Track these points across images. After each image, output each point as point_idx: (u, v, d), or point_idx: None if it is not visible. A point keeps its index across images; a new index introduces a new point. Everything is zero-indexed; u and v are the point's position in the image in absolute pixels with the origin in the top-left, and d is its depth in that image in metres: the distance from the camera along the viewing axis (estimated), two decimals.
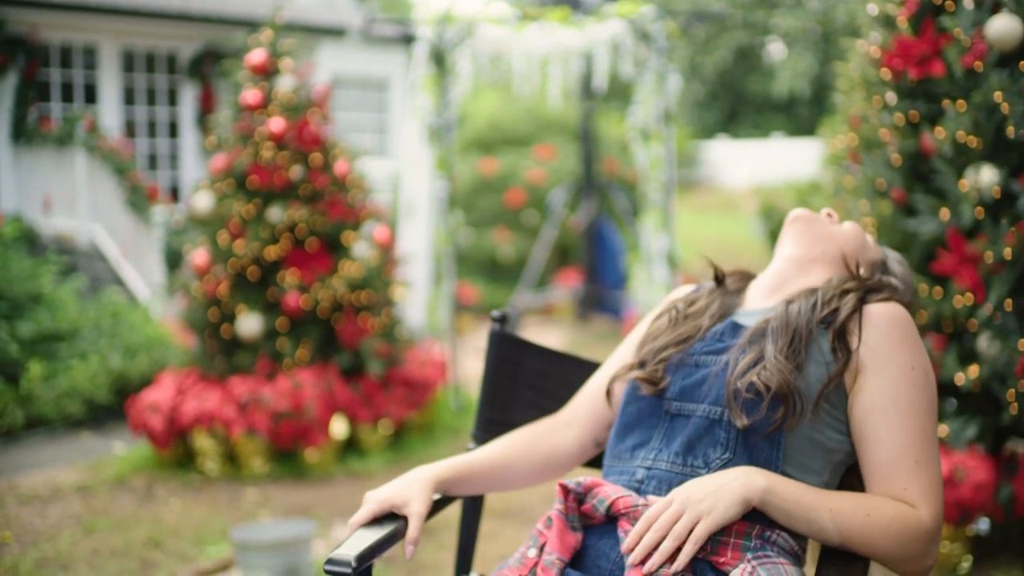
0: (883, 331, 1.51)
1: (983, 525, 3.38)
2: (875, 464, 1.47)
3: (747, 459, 1.47)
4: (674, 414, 1.56)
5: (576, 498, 1.53)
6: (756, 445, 1.47)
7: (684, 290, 1.81)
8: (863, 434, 1.49)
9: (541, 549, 1.51)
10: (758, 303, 1.67)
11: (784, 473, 1.47)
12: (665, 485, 1.49)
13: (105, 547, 3.94)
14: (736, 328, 1.61)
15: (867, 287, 1.60)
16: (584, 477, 1.54)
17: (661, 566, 1.37)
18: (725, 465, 1.47)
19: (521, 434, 1.76)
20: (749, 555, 1.41)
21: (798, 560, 1.48)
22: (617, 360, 1.77)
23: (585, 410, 1.77)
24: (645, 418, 1.60)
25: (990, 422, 3.41)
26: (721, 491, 1.38)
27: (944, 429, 3.39)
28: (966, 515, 3.35)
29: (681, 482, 1.48)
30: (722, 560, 1.41)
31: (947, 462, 3.33)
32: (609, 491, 1.50)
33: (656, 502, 1.44)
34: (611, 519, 1.49)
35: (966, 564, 3.43)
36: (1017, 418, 3.32)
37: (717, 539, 1.42)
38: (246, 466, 4.88)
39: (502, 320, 1.87)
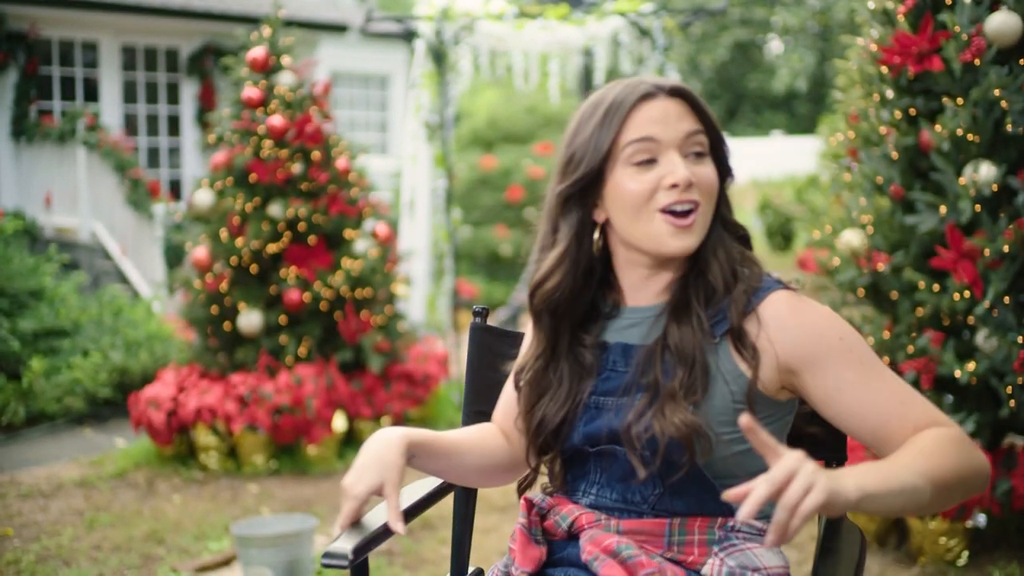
0: (795, 328, 1.40)
1: (981, 519, 3.40)
2: (873, 431, 1.38)
3: (678, 491, 1.41)
4: (597, 452, 1.47)
5: (539, 512, 1.52)
6: (683, 480, 1.41)
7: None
8: (837, 416, 1.40)
9: None
10: (639, 298, 1.50)
11: (735, 484, 1.41)
12: (615, 514, 1.46)
13: (106, 542, 3.95)
14: (628, 351, 1.47)
15: (749, 287, 1.43)
16: (549, 494, 1.53)
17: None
18: (660, 499, 1.42)
19: (477, 429, 1.67)
20: (715, 548, 1.41)
21: None
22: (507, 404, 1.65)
23: (508, 425, 1.64)
24: (575, 454, 1.51)
25: (988, 417, 3.42)
26: (836, 502, 1.16)
27: None
28: (964, 509, 3.36)
29: (627, 515, 1.44)
30: (690, 559, 1.41)
31: None
32: (572, 508, 1.49)
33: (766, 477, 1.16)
34: (573, 536, 1.48)
35: (963, 558, 3.44)
36: (1015, 413, 3.33)
37: (682, 539, 1.41)
38: (247, 461, 4.89)
39: (483, 314, 1.90)
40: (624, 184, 1.41)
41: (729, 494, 1.17)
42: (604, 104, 1.43)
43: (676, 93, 1.43)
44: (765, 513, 1.47)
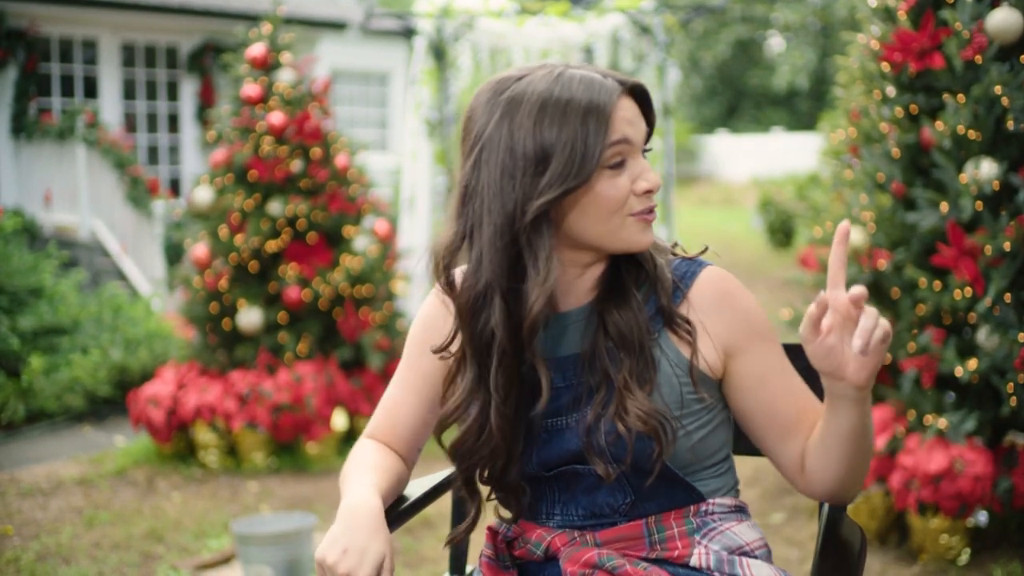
0: (729, 310, 1.39)
1: (982, 517, 3.39)
2: (791, 420, 1.37)
3: (649, 493, 1.39)
4: (554, 475, 1.42)
5: (504, 540, 1.48)
6: (653, 481, 1.38)
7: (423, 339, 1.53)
8: (757, 404, 1.39)
9: None
10: (568, 301, 1.42)
11: (702, 473, 1.41)
12: (588, 535, 1.42)
13: (106, 540, 3.95)
14: (564, 364, 1.40)
15: (667, 260, 1.42)
16: (512, 522, 1.47)
17: None
18: (633, 506, 1.40)
19: (388, 464, 1.52)
20: (697, 536, 1.40)
21: (741, 511, 1.46)
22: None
23: (412, 443, 1.56)
24: (529, 480, 1.44)
25: (989, 415, 3.42)
26: (887, 349, 1.28)
27: (943, 422, 3.40)
28: (965, 507, 3.36)
29: (599, 529, 1.41)
30: (676, 554, 1.39)
31: (946, 455, 3.34)
32: (542, 532, 1.44)
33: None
34: (550, 558, 1.44)
35: (964, 556, 3.44)
36: (1016, 411, 3.32)
37: (662, 535, 1.40)
38: (247, 459, 4.89)
39: None
40: (604, 190, 1.34)
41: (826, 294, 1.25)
42: (579, 102, 1.31)
43: (634, 90, 1.38)
44: (731, 486, 1.48)
